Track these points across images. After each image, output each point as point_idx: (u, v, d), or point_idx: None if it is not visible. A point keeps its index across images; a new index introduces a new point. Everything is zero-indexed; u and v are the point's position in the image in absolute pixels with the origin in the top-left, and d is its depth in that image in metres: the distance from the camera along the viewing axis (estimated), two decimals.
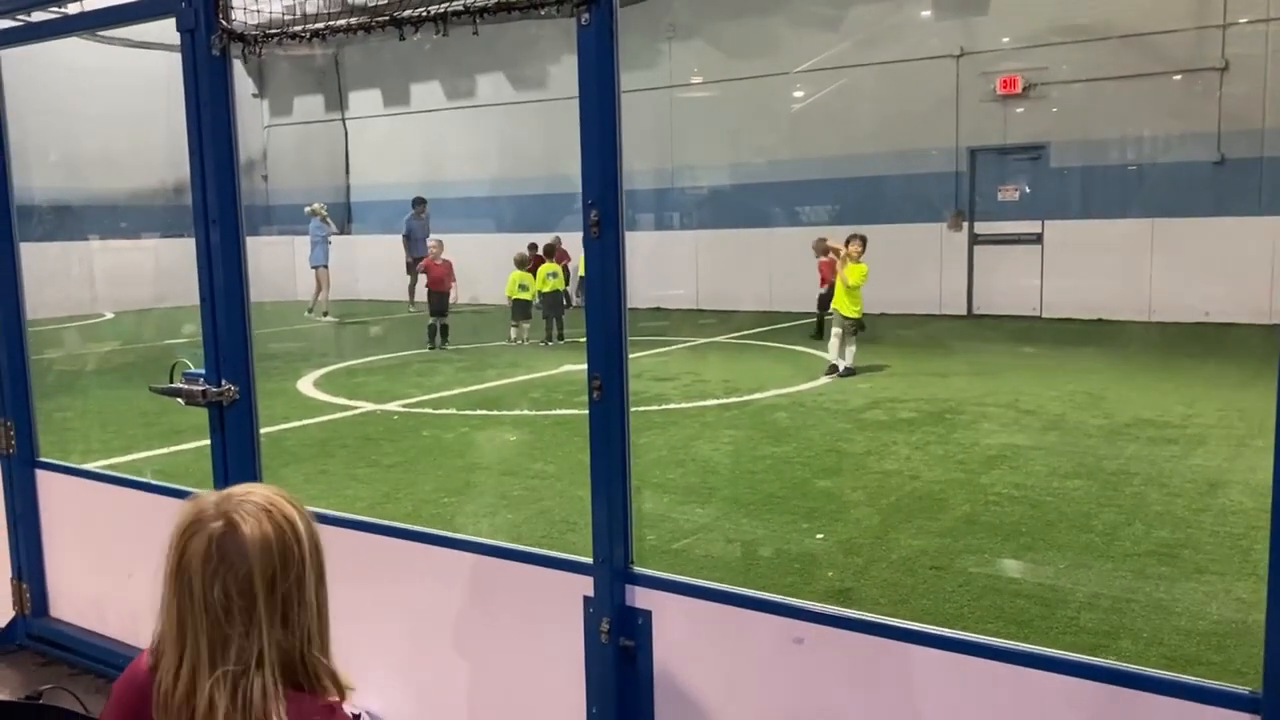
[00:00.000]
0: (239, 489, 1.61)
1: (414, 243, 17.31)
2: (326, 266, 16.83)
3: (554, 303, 13.45)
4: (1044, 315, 14.65)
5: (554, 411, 8.71)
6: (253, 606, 1.51)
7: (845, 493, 6.03)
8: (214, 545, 1.52)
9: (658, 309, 16.84)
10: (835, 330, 10.15)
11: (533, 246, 15.41)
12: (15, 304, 4.10)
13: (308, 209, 17.14)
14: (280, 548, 1.54)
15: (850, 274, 10.09)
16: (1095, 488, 5.92)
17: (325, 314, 16.71)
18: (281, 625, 1.53)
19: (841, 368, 9.97)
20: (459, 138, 20.00)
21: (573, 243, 15.86)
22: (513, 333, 13.36)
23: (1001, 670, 2.14)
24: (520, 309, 13.39)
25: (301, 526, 1.58)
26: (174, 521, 1.59)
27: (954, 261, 15.46)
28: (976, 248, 15.42)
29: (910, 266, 14.99)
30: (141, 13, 3.51)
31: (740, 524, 5.50)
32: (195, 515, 1.56)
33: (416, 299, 17.34)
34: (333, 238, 17.42)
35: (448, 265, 13.69)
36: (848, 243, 10.32)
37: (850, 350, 10.06)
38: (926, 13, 15.81)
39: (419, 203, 17.44)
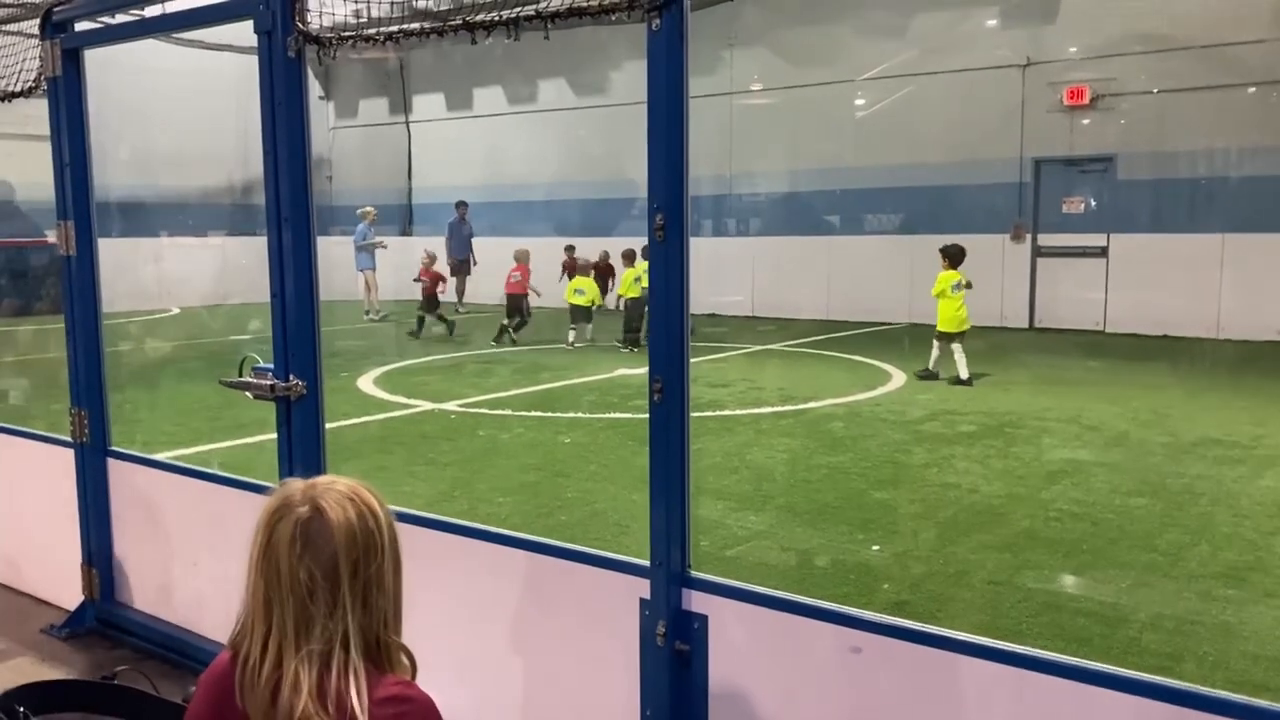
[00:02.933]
0: (324, 479, 1.68)
1: (456, 243, 17.65)
2: (373, 269, 17.06)
3: (640, 308, 13.04)
4: (1108, 330, 14.37)
5: (608, 415, 8.74)
6: (337, 589, 1.58)
7: (902, 505, 5.97)
8: (300, 529, 1.59)
9: (713, 315, 16.81)
10: (935, 343, 10.37)
11: (605, 254, 15.57)
12: (92, 298, 4.22)
13: (359, 211, 17.36)
14: (363, 534, 1.61)
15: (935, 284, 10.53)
16: (1159, 506, 5.79)
17: (377, 311, 16.92)
18: (362, 608, 1.60)
19: (935, 373, 10.21)
20: (520, 142, 20.16)
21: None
22: (570, 335, 13.41)
23: (1065, 687, 2.10)
24: (580, 313, 13.42)
25: (382, 515, 1.65)
26: (262, 507, 1.65)
27: (1017, 273, 15.24)
28: (1040, 260, 15.18)
29: (972, 277, 14.78)
30: (220, 15, 3.60)
31: (795, 533, 5.47)
32: (283, 501, 1.63)
33: (465, 300, 17.70)
34: (385, 240, 17.69)
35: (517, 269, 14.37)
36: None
37: (935, 357, 10.26)
38: (993, 22, 15.60)
39: (461, 205, 17.76)
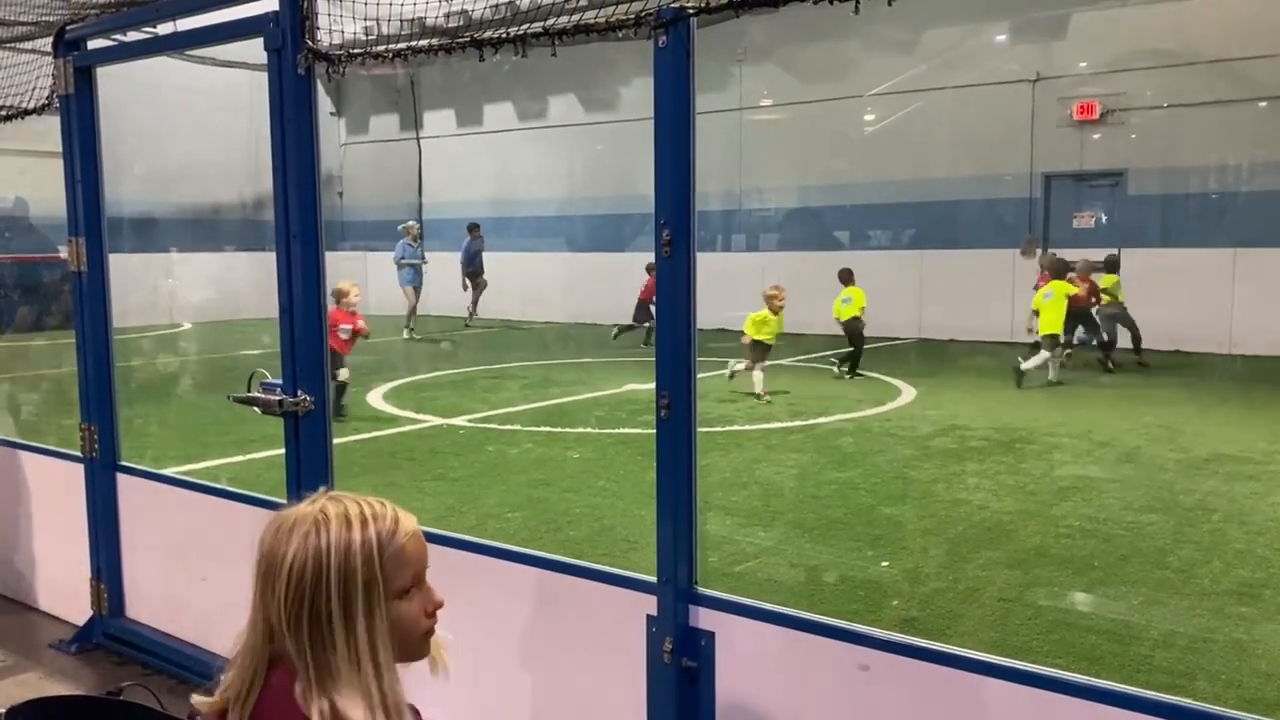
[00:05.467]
0: (332, 499, 1.62)
1: (466, 259, 17.89)
2: (413, 285, 17.01)
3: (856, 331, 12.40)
4: (1119, 345, 14.29)
5: (617, 430, 8.73)
6: (284, 608, 1.53)
7: (912, 521, 5.94)
8: (268, 544, 1.58)
9: (722, 330, 16.77)
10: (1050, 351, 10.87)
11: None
12: (103, 314, 4.24)
13: (401, 226, 17.31)
14: (313, 563, 1.53)
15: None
16: (1171, 523, 5.75)
17: (411, 329, 16.81)
18: (309, 640, 1.52)
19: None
20: (530, 158, 20.23)
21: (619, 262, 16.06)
22: (737, 365, 11.14)
23: (1075, 706, 2.08)
24: (758, 349, 11.00)
25: (343, 545, 1.55)
26: None
27: (1027, 289, 15.18)
28: None
29: (982, 293, 14.76)
30: (231, 33, 3.62)
31: (803, 549, 5.45)
32: (283, 513, 1.63)
33: (476, 315, 17.85)
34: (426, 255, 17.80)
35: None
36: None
37: (1043, 359, 10.83)
38: (1002, 37, 15.62)
39: (473, 227, 17.95)
